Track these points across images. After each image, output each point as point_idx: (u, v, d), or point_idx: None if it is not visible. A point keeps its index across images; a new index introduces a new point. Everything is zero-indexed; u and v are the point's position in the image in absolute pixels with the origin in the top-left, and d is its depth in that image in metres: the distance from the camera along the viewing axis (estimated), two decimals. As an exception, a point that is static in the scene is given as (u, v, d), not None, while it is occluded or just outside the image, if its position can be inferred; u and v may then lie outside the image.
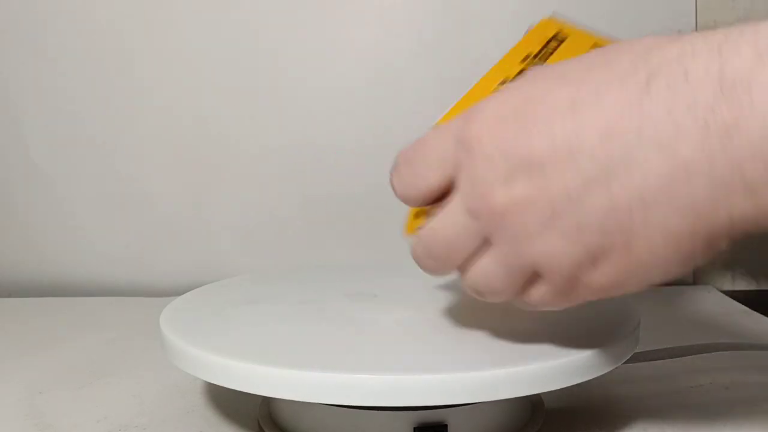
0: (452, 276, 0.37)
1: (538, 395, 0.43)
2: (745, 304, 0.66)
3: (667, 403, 0.45)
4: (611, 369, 0.38)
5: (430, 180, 0.33)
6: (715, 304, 0.68)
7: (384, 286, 0.49)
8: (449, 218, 0.33)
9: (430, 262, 0.35)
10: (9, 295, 0.76)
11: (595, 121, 0.28)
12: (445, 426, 0.37)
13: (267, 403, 0.44)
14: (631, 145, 0.27)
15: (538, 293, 0.33)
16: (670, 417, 0.43)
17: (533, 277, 0.32)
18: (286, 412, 0.41)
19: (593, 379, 0.36)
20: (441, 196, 0.34)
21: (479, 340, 0.40)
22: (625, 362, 0.39)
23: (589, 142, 0.28)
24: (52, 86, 0.74)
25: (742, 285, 0.74)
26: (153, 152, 0.74)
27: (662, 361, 0.49)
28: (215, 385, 0.39)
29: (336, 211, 0.73)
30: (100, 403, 0.47)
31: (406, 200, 0.35)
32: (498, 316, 0.43)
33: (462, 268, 0.34)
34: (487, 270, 0.33)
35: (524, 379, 0.35)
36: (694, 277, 0.75)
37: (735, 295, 0.69)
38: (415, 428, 0.37)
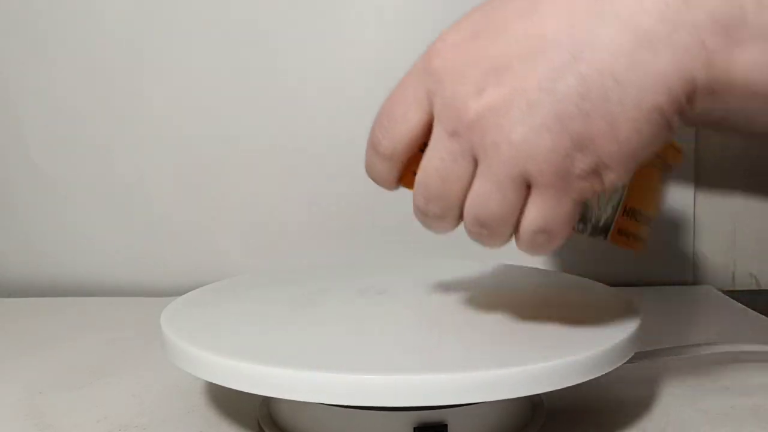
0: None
1: (538, 395, 0.43)
2: (745, 304, 0.66)
3: (667, 403, 0.45)
4: (611, 369, 0.38)
5: (411, 121, 0.33)
6: (715, 304, 0.68)
7: (384, 286, 0.49)
8: (436, 150, 0.33)
9: (431, 207, 0.34)
10: (9, 295, 0.76)
11: (556, 11, 0.29)
12: (445, 426, 0.37)
13: (267, 403, 0.44)
14: (594, 26, 0.28)
15: (536, 208, 0.32)
16: (671, 417, 0.43)
17: (527, 192, 0.32)
18: (286, 412, 0.41)
19: (593, 379, 0.36)
20: (427, 137, 0.34)
21: (479, 340, 0.40)
22: (625, 362, 0.39)
23: (552, 31, 0.29)
24: (52, 86, 0.74)
25: (742, 285, 0.74)
26: (153, 152, 0.74)
27: (662, 361, 0.49)
28: (215, 385, 0.39)
29: (337, 211, 0.73)
30: (100, 403, 0.47)
31: (394, 150, 0.35)
32: (498, 315, 0.43)
33: (463, 204, 0.34)
34: (480, 192, 0.32)
35: (524, 379, 0.35)
36: (694, 277, 0.75)
37: (735, 295, 0.69)
38: (415, 428, 0.37)
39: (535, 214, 0.32)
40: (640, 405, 0.44)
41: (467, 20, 0.32)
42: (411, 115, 0.33)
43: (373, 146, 0.36)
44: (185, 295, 0.48)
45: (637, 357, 0.43)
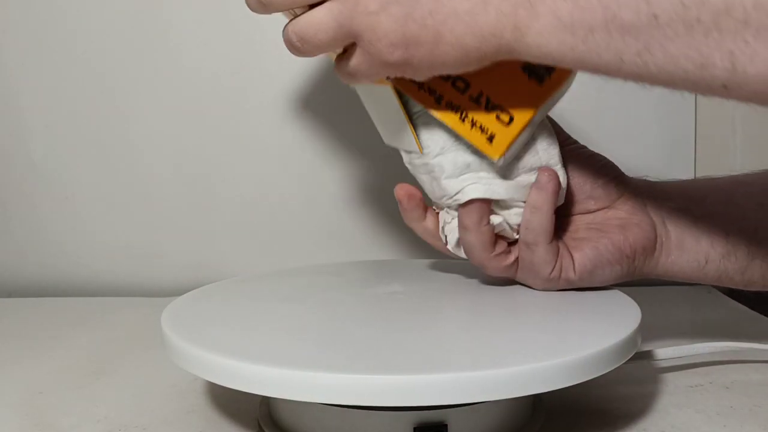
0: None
1: (538, 395, 0.43)
2: (745, 304, 0.66)
3: (667, 402, 0.45)
4: (611, 369, 0.38)
5: None
6: (715, 304, 0.68)
7: (384, 286, 0.49)
8: (318, 13, 0.40)
9: (305, 47, 0.41)
10: (9, 295, 0.76)
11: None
12: (445, 426, 0.37)
13: (267, 403, 0.44)
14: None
15: (354, 60, 0.40)
16: (671, 417, 0.43)
17: (352, 47, 0.40)
18: (286, 412, 0.41)
19: (593, 379, 0.36)
20: None
21: (479, 340, 0.40)
22: (625, 362, 0.39)
23: None
24: (52, 86, 0.74)
25: (742, 285, 0.74)
26: (153, 152, 0.74)
27: (662, 361, 0.49)
28: (215, 384, 0.39)
29: (336, 212, 0.73)
30: (100, 403, 0.47)
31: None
32: (498, 315, 0.43)
33: (296, 12, 0.41)
34: (320, 20, 0.39)
35: (524, 379, 0.35)
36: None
37: (735, 295, 0.69)
38: (415, 428, 0.37)
39: (355, 63, 0.41)
40: (640, 405, 0.44)
41: None
42: None
43: None
44: (185, 295, 0.48)
45: (637, 357, 0.43)
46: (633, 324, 0.40)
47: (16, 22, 0.73)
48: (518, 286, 0.49)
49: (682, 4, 0.31)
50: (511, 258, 0.46)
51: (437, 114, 0.43)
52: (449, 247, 0.47)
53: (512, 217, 0.45)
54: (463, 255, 0.47)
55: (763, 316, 0.62)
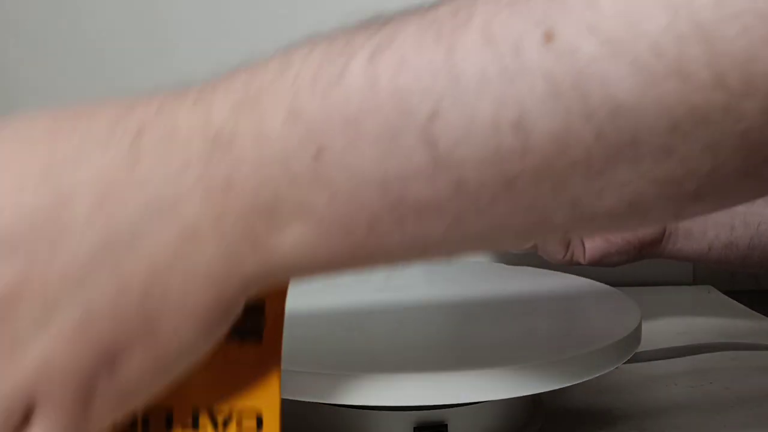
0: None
1: (538, 395, 0.43)
2: (745, 304, 0.66)
3: (667, 403, 0.45)
4: (611, 369, 0.38)
5: None
6: (715, 304, 0.68)
7: (383, 286, 0.49)
8: None
9: None
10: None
11: (85, 190, 0.23)
12: (445, 426, 0.37)
13: (267, 403, 0.44)
14: (132, 214, 0.22)
15: None
16: (670, 417, 0.43)
17: (29, 412, 0.23)
18: (286, 412, 0.41)
19: (593, 379, 0.36)
20: None
21: (479, 339, 0.40)
22: (625, 362, 0.39)
23: (81, 212, 0.22)
24: (52, 86, 0.74)
25: (742, 285, 0.74)
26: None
27: (662, 361, 0.49)
28: (215, 385, 0.38)
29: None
30: (101, 403, 0.46)
31: None
32: (498, 315, 0.43)
33: None
34: None
35: (524, 379, 0.35)
36: (694, 277, 0.75)
37: (735, 295, 0.69)
38: (415, 428, 0.37)
39: None
40: (640, 404, 0.44)
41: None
42: None
43: None
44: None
45: (637, 357, 0.43)
46: (633, 324, 0.40)
47: (16, 22, 0.73)
48: (518, 285, 0.49)
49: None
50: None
51: None
52: None
53: None
54: None
55: (763, 316, 0.62)
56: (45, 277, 0.22)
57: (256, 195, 0.22)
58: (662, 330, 0.57)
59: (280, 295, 0.28)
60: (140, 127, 0.24)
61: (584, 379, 0.36)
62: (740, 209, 0.49)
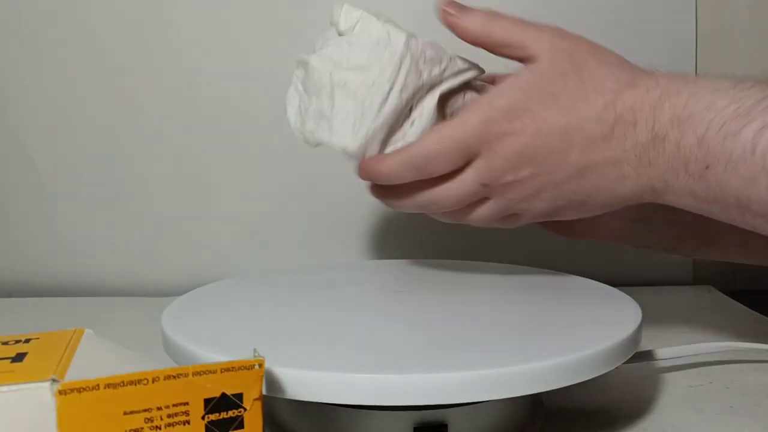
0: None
1: (538, 395, 0.44)
2: (745, 304, 0.66)
3: (667, 402, 0.45)
4: (611, 368, 0.38)
5: (453, 165, 0.43)
6: (715, 304, 0.68)
7: (384, 285, 0.49)
8: (462, 186, 0.43)
9: (430, 209, 0.45)
10: (10, 295, 0.76)
11: (578, 146, 0.42)
12: (445, 426, 0.37)
13: (267, 402, 0.44)
14: (596, 162, 0.42)
15: (483, 210, 0.45)
16: (670, 416, 0.43)
17: (484, 199, 0.44)
18: (286, 412, 0.41)
19: (593, 379, 0.36)
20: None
21: (479, 339, 0.40)
22: (626, 362, 0.39)
23: (573, 157, 0.42)
24: (52, 86, 0.74)
25: (742, 285, 0.74)
26: (153, 152, 0.74)
27: (662, 360, 0.49)
28: (215, 384, 0.38)
29: (336, 211, 0.73)
30: (100, 402, 0.46)
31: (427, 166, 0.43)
32: (498, 315, 0.43)
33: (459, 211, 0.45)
34: (483, 214, 0.45)
35: (524, 379, 0.35)
36: (694, 277, 0.75)
37: (735, 295, 0.69)
38: (415, 428, 0.37)
39: (480, 211, 0.45)
40: (640, 404, 0.44)
41: (517, 111, 0.42)
42: (452, 162, 0.43)
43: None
44: (186, 295, 0.48)
45: (637, 357, 0.43)
46: (633, 324, 0.41)
47: (17, 22, 0.73)
48: (518, 285, 0.49)
49: None
50: None
51: None
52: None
53: None
54: None
55: (763, 316, 0.62)
56: (546, 180, 0.43)
57: (662, 173, 0.41)
58: (662, 330, 0.57)
59: (257, 383, 0.30)
60: (618, 116, 0.41)
61: (584, 379, 0.36)
62: None
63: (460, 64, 0.45)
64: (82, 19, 0.73)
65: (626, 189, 0.42)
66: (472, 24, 0.44)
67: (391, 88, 0.43)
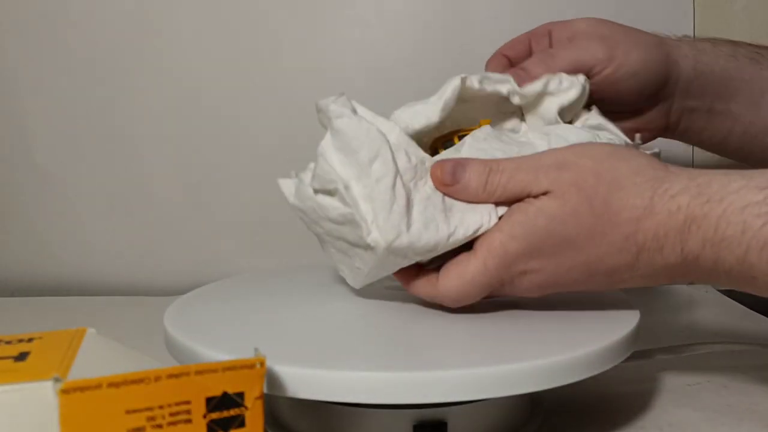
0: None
1: (537, 394, 0.44)
2: (745, 304, 0.66)
3: (666, 401, 0.45)
4: (609, 367, 0.38)
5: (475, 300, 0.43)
6: (715, 304, 0.68)
7: (384, 284, 0.49)
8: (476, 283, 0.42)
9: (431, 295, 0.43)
10: (11, 294, 0.76)
11: (602, 274, 0.41)
12: (445, 424, 0.37)
13: (267, 401, 0.44)
14: (624, 280, 0.41)
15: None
16: (669, 416, 0.43)
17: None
18: (286, 410, 0.42)
19: (592, 377, 0.37)
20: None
21: (479, 338, 0.40)
22: (625, 361, 0.39)
23: (598, 279, 0.41)
24: (54, 87, 0.74)
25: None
26: (154, 152, 0.74)
27: (661, 360, 0.49)
28: (216, 383, 0.39)
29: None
30: (102, 402, 0.47)
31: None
32: (497, 314, 0.44)
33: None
34: (473, 278, 0.42)
35: (523, 377, 0.35)
36: (694, 277, 0.75)
37: (734, 295, 0.69)
38: (414, 426, 0.37)
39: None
40: (639, 403, 0.45)
41: (544, 235, 0.41)
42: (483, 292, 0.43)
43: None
44: (188, 294, 0.48)
45: (636, 356, 0.43)
46: (631, 323, 0.41)
47: (18, 23, 0.73)
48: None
49: None
50: None
51: None
52: None
53: None
54: None
55: (762, 316, 0.62)
56: (555, 279, 0.41)
57: (699, 279, 0.41)
58: (662, 329, 0.57)
59: (258, 382, 0.30)
60: (641, 246, 0.40)
61: (583, 377, 0.36)
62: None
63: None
64: (84, 21, 0.73)
65: (666, 266, 0.40)
66: (472, 182, 0.42)
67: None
